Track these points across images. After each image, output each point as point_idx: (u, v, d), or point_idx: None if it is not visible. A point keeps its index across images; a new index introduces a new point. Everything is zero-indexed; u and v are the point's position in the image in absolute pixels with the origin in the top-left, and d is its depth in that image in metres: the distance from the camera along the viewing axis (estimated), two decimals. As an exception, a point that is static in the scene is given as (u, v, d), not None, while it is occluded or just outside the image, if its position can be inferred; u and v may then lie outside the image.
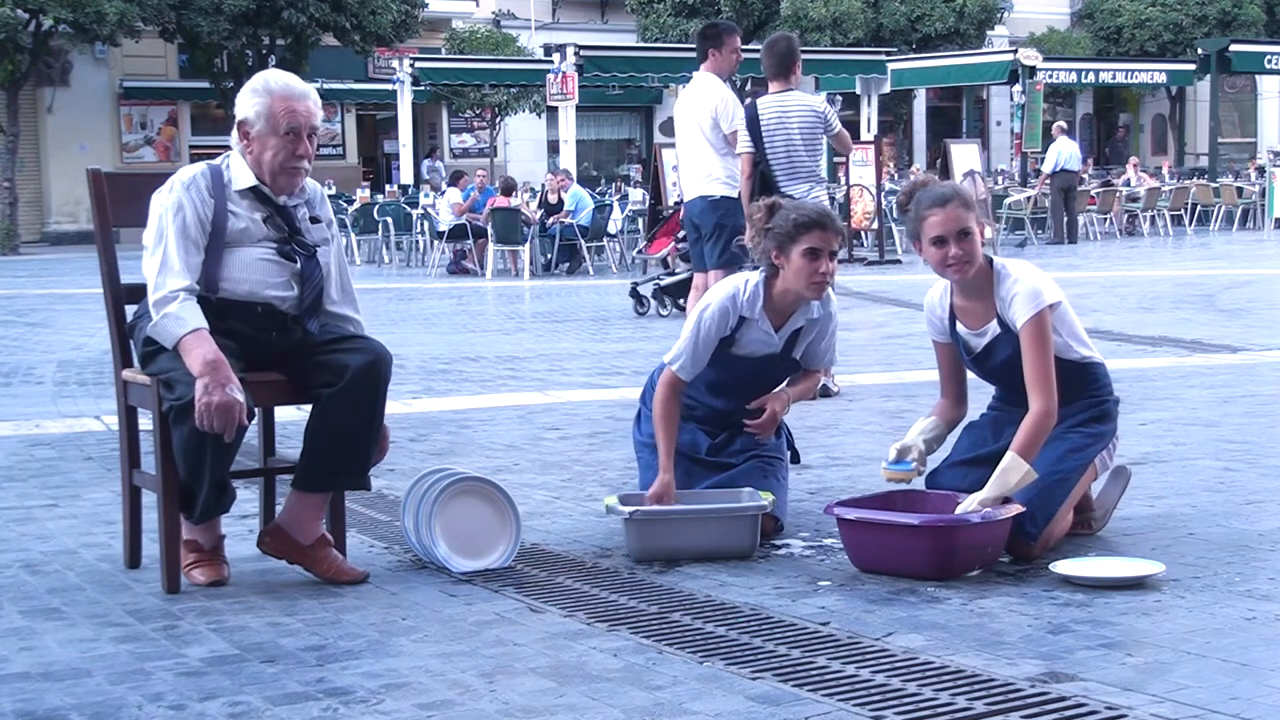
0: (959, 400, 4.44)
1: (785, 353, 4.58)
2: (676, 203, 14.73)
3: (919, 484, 4.40)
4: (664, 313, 12.89)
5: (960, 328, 4.30)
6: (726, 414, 4.64)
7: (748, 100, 8.01)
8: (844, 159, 21.10)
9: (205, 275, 3.88)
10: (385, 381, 3.98)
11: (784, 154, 7.55)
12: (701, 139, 8.04)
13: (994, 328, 4.21)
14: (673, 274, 13.36)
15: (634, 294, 13.29)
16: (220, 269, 3.90)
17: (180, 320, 3.75)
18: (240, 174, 3.98)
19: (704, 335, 4.50)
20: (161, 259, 3.83)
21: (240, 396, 3.69)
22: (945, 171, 20.18)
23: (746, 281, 4.55)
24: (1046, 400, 4.04)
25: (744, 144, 7.63)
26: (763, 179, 7.59)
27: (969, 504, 3.97)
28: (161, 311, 3.77)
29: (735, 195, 7.86)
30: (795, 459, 4.85)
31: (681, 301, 12.90)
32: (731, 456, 4.58)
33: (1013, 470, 3.97)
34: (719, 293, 4.55)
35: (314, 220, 4.09)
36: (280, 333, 3.98)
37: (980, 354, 4.28)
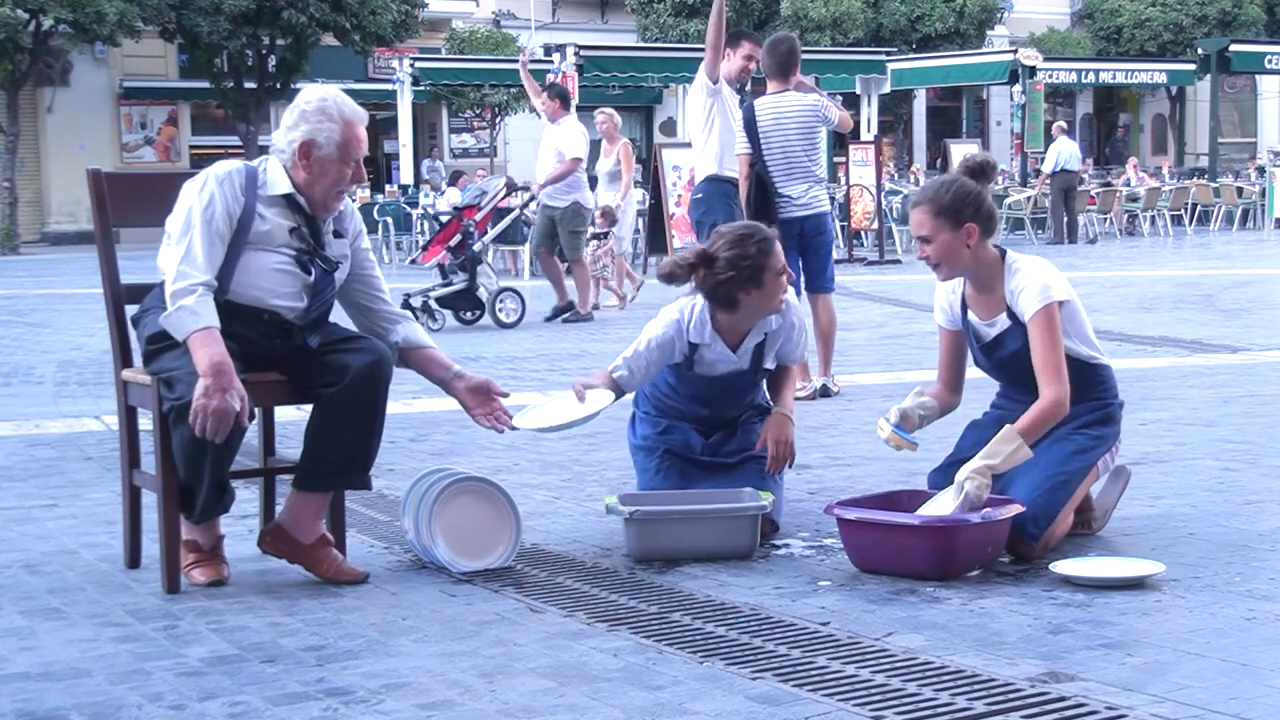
0: (954, 389, 4.45)
1: (754, 368, 4.57)
2: (455, 208, 14.04)
3: (920, 483, 4.41)
4: (434, 326, 11.66)
5: (971, 316, 4.31)
6: (715, 417, 4.64)
7: (745, 101, 8.01)
8: (844, 159, 21.13)
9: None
10: (386, 382, 3.98)
11: (781, 154, 7.54)
12: (696, 139, 8.11)
13: (1004, 320, 4.23)
14: (448, 284, 12.20)
15: (405, 305, 11.40)
16: (232, 272, 3.88)
17: (195, 315, 3.74)
18: (277, 180, 3.94)
19: (646, 360, 4.50)
20: (185, 250, 3.80)
21: (239, 405, 3.69)
22: (945, 171, 20.18)
23: (693, 308, 4.45)
24: (1058, 389, 4.05)
25: (741, 145, 7.63)
26: (759, 180, 7.59)
27: (962, 473, 3.96)
28: (178, 303, 3.75)
29: (717, 182, 7.88)
30: None
31: (466, 315, 12.17)
32: (727, 456, 4.58)
33: (1007, 443, 3.97)
34: (661, 322, 4.49)
35: (336, 235, 4.07)
36: (284, 340, 3.97)
37: (990, 344, 4.29)
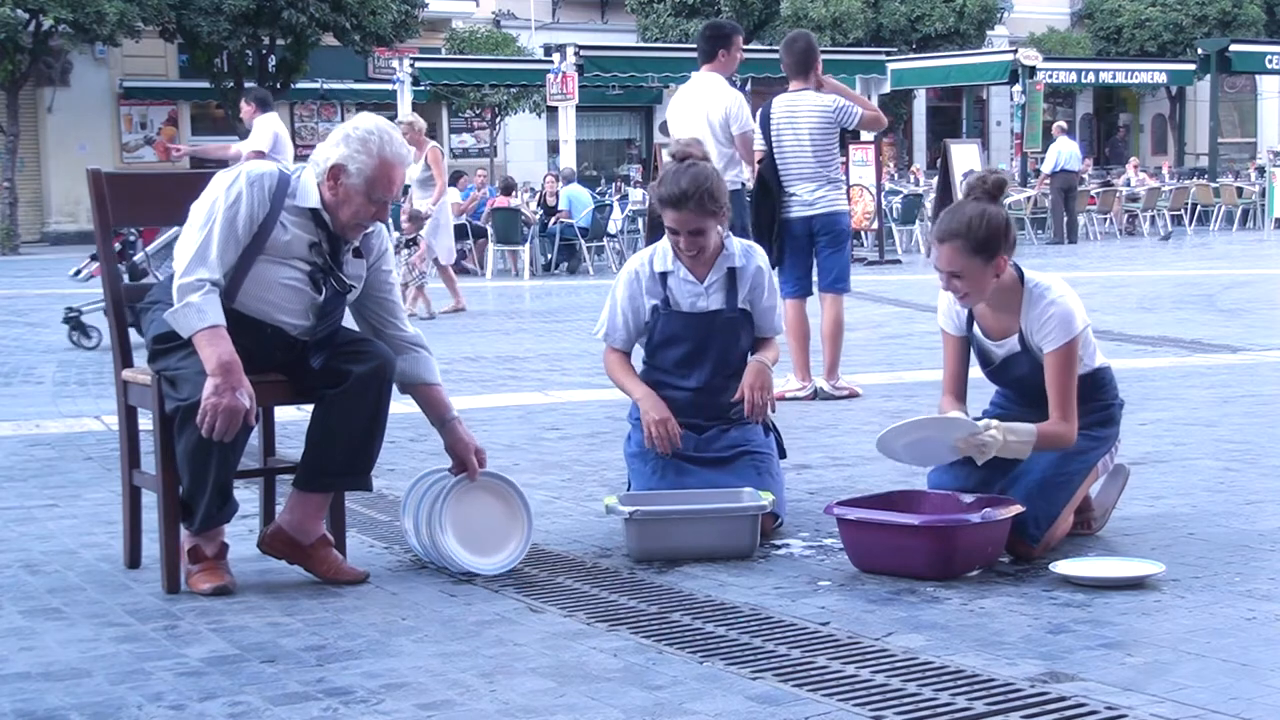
0: (961, 399, 4.41)
1: (731, 305, 4.59)
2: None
3: (920, 484, 4.41)
4: (89, 344, 10.40)
5: (978, 331, 4.28)
6: (704, 397, 4.61)
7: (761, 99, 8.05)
8: (844, 159, 21.12)
9: (228, 280, 3.86)
10: (389, 384, 3.98)
11: (791, 154, 7.55)
12: (709, 138, 8.06)
13: (1014, 343, 4.19)
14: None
15: (74, 323, 10.45)
16: (242, 280, 3.86)
17: (201, 313, 3.73)
18: (308, 192, 3.92)
19: (620, 298, 4.67)
20: (200, 244, 3.79)
21: (248, 403, 3.69)
22: (945, 171, 20.12)
23: (654, 248, 4.68)
24: (1069, 427, 4.10)
25: (758, 141, 7.68)
26: (760, 177, 7.61)
27: (991, 424, 4.04)
28: (184, 299, 3.74)
29: (738, 189, 7.90)
30: (782, 455, 4.81)
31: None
32: (720, 451, 4.57)
33: (1024, 435, 4.03)
34: (626, 269, 4.74)
35: (356, 254, 4.03)
36: (285, 352, 3.96)
37: (998, 367, 4.28)
